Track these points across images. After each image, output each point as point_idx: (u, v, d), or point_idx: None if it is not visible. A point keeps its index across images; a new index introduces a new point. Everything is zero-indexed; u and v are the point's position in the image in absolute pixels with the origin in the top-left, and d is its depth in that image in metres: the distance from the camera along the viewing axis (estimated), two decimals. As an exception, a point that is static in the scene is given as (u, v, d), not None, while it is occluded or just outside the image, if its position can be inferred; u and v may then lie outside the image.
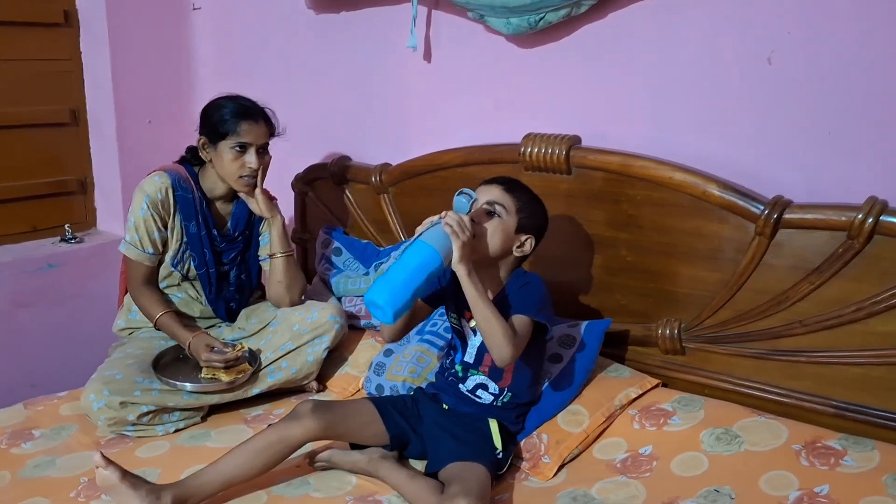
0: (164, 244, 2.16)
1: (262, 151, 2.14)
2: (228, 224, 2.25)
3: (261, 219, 2.24)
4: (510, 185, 1.75)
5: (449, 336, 1.97)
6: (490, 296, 1.74)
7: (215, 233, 2.20)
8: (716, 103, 1.92)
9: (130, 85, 2.89)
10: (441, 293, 1.85)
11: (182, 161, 2.23)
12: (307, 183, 2.75)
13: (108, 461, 1.57)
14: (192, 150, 2.22)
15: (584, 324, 1.96)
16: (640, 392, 1.87)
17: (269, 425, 1.81)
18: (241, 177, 2.11)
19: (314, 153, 2.77)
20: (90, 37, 2.86)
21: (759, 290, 1.80)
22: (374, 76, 2.62)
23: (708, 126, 1.94)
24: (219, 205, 2.23)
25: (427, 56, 2.45)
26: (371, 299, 1.58)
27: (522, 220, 1.74)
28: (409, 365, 2.05)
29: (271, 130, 2.17)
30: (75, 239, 2.85)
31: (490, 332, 1.63)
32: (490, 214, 1.72)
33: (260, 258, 2.28)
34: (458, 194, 1.66)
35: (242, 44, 3.02)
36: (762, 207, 1.74)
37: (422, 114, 2.52)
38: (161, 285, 2.21)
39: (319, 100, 2.80)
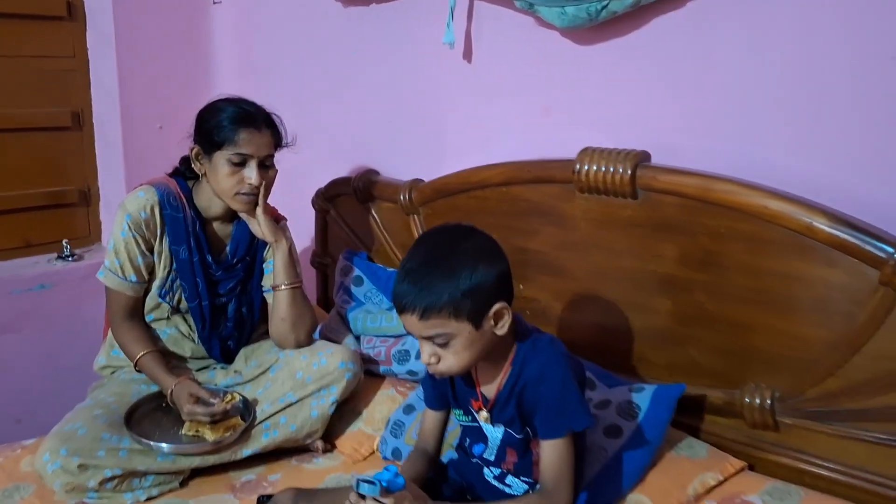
0: (151, 271, 1.85)
1: (266, 165, 1.81)
2: (227, 248, 1.92)
3: (267, 243, 1.90)
4: (424, 303, 1.25)
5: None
6: (503, 370, 1.37)
7: (210, 259, 1.87)
8: (824, 113, 1.53)
9: (139, 86, 2.65)
10: (441, 394, 1.50)
11: (175, 174, 1.91)
12: (329, 199, 2.43)
13: None
14: (186, 161, 1.90)
15: (651, 389, 1.57)
16: (721, 478, 1.49)
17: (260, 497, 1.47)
18: (238, 193, 1.78)
19: (339, 165, 2.45)
20: (97, 32, 2.60)
21: (881, 356, 1.39)
22: (407, 77, 2.28)
23: (813, 142, 1.55)
24: (216, 226, 1.90)
25: (467, 55, 2.10)
26: None
27: (473, 315, 1.27)
28: (432, 427, 1.69)
29: (277, 140, 1.83)
30: (73, 256, 2.60)
31: None
32: (441, 345, 1.29)
33: (263, 289, 1.94)
34: (358, 486, 1.22)
35: (264, 42, 2.74)
36: (891, 250, 1.34)
37: (460, 122, 2.18)
38: (147, 319, 1.89)
39: (347, 104, 2.48)
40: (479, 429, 1.44)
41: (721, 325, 1.61)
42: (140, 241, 1.80)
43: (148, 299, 1.88)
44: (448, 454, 1.58)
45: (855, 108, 1.48)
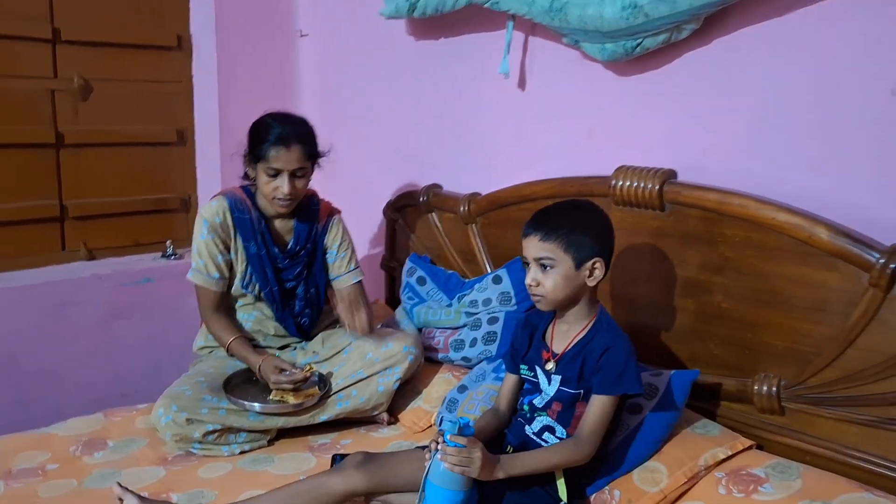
0: (231, 268, 2.16)
1: (297, 175, 2.08)
2: (290, 241, 2.21)
3: (324, 232, 2.22)
4: (546, 229, 1.62)
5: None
6: (576, 332, 1.67)
7: (276, 251, 2.17)
8: (830, 138, 1.73)
9: (235, 108, 2.94)
10: (513, 359, 1.80)
11: (246, 178, 2.21)
12: (397, 210, 2.72)
13: (125, 489, 1.61)
14: None
15: (670, 373, 1.80)
16: (730, 453, 1.68)
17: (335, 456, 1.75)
18: (275, 198, 2.08)
19: (407, 179, 2.75)
20: (201, 61, 2.95)
21: (871, 349, 1.59)
22: (469, 103, 2.57)
23: (820, 163, 1.75)
24: (278, 223, 2.20)
25: (521, 83, 2.37)
26: None
27: (577, 255, 1.62)
28: (481, 404, 1.95)
29: (309, 153, 2.09)
30: (175, 255, 2.92)
31: (562, 465, 1.61)
32: (543, 267, 1.63)
33: (330, 276, 2.25)
34: (442, 424, 1.63)
35: (343, 70, 3.05)
36: (878, 256, 1.54)
37: (514, 142, 2.45)
38: (237, 304, 2.21)
39: (416, 126, 2.77)
40: (537, 383, 1.71)
41: (736, 323, 1.82)
42: (218, 241, 2.11)
43: (234, 291, 2.19)
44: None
45: (858, 133, 1.67)
